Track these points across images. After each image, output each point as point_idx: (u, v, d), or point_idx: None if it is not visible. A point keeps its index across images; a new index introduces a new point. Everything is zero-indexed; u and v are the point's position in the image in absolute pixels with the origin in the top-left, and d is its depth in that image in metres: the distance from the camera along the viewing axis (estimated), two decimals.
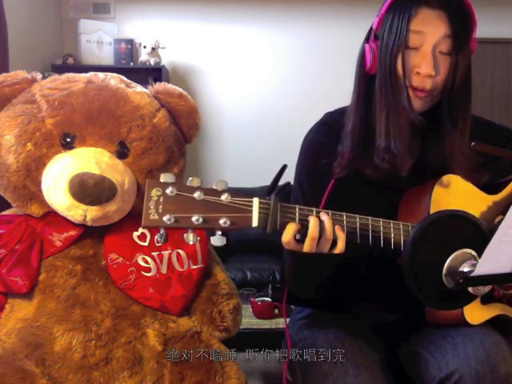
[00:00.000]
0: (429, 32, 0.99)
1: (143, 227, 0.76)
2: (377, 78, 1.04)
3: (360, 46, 1.09)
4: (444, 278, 0.90)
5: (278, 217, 0.83)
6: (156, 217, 0.75)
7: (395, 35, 0.99)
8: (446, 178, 1.00)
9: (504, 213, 0.94)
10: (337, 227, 0.87)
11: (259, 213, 0.81)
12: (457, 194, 1.00)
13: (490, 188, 1.05)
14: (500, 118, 3.88)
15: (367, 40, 1.07)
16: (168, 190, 0.76)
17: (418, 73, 1.00)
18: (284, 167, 0.85)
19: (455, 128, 1.04)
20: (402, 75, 1.00)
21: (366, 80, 1.07)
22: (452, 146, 1.04)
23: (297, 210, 0.85)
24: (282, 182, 0.85)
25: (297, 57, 3.94)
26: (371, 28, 1.07)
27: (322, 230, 0.86)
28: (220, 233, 0.80)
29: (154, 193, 0.76)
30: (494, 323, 1.00)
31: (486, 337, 0.94)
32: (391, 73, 1.01)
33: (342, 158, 1.06)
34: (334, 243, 0.89)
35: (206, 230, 0.81)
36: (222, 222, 0.78)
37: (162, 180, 0.77)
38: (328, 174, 1.06)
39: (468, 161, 1.04)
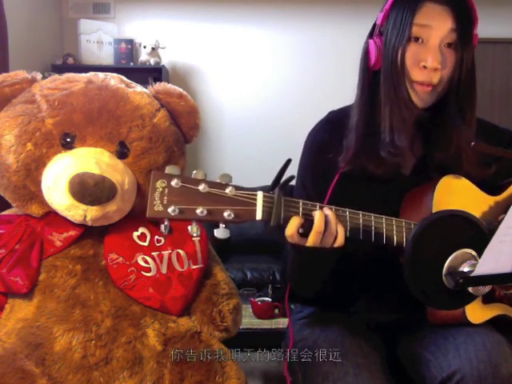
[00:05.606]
0: (435, 26, 0.99)
1: (148, 217, 0.76)
2: (381, 73, 1.04)
3: (364, 43, 1.09)
4: (444, 278, 0.90)
5: (281, 210, 0.83)
6: (161, 208, 0.76)
7: (399, 29, 1.00)
8: (449, 177, 1.00)
9: (505, 212, 0.94)
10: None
11: (263, 206, 0.81)
12: (459, 194, 1.00)
13: (491, 189, 1.05)
14: (500, 118, 3.88)
15: (371, 35, 1.07)
16: (173, 182, 0.76)
17: (424, 67, 1.00)
18: (288, 161, 0.85)
19: (463, 121, 1.05)
20: (405, 69, 1.01)
21: (370, 75, 1.07)
22: (460, 138, 1.05)
23: (300, 204, 0.86)
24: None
25: (297, 57, 3.94)
26: (375, 24, 1.07)
27: (326, 223, 0.87)
28: (224, 225, 0.80)
29: (159, 184, 0.76)
30: (495, 324, 1.00)
31: (487, 337, 0.94)
32: (394, 67, 1.01)
33: (347, 152, 1.06)
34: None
35: (210, 222, 0.81)
36: (226, 214, 0.78)
37: (167, 172, 0.77)
38: (332, 170, 1.06)
39: (476, 153, 1.04)
